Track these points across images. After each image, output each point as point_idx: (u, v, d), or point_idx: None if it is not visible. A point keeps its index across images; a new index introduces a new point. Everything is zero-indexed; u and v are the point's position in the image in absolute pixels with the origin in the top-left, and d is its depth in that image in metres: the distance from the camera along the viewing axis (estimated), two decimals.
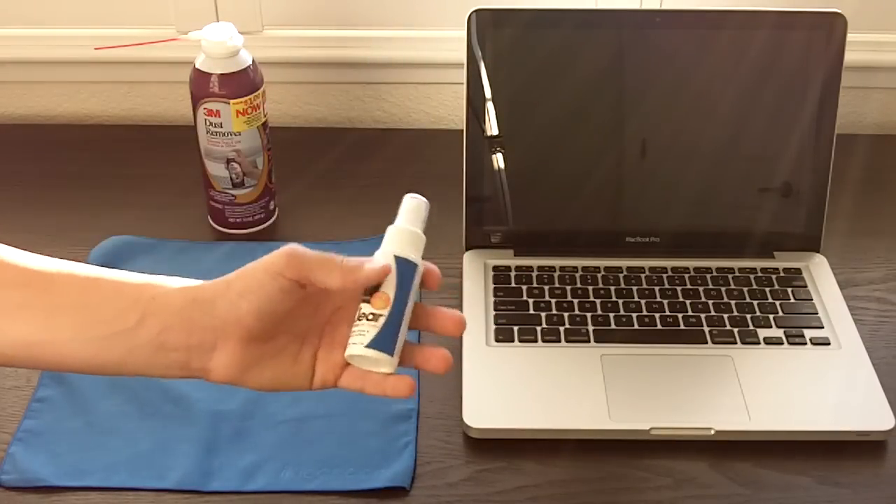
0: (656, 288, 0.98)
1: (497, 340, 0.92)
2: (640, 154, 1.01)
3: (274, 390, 0.69)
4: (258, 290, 0.64)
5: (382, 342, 0.65)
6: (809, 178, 1.01)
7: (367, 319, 0.65)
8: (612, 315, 0.95)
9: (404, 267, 0.66)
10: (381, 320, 0.65)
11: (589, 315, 0.95)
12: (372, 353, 0.65)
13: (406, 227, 0.67)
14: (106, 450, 0.83)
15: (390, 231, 0.68)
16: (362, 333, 0.65)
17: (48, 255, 0.68)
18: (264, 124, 1.04)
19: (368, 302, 0.66)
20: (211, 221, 1.08)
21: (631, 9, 1.17)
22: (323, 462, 0.83)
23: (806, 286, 0.99)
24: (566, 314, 0.95)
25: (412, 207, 0.68)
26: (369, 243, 1.02)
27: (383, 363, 0.66)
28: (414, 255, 0.67)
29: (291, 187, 1.12)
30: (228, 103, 1.00)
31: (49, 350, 0.66)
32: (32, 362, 0.68)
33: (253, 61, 1.02)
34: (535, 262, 1.00)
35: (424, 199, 0.69)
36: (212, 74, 1.00)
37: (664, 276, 0.99)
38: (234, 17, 1.14)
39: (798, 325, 0.94)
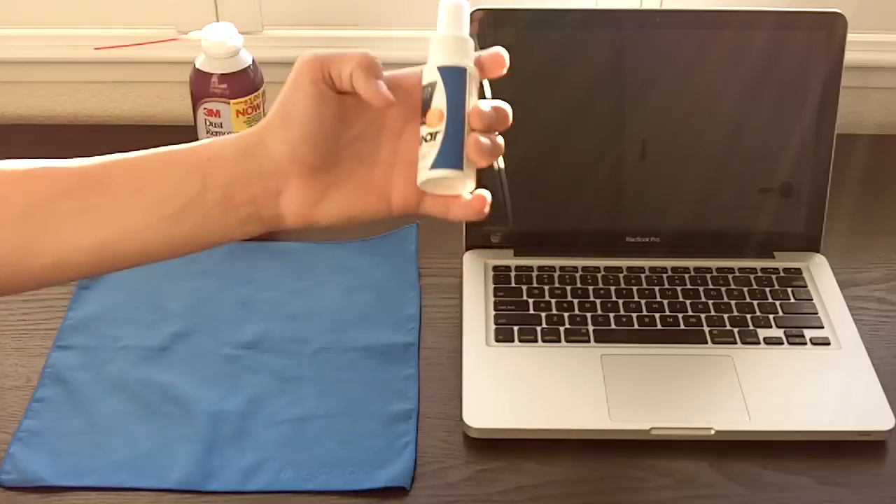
0: (656, 288, 0.98)
1: (497, 340, 0.92)
2: (640, 154, 1.01)
3: (350, 222, 0.66)
4: (298, 112, 0.63)
5: (446, 158, 0.61)
6: (809, 178, 1.01)
7: (427, 141, 0.62)
8: (612, 315, 0.95)
9: (450, 75, 0.63)
10: (440, 137, 0.62)
11: (589, 315, 0.95)
12: (438, 172, 0.61)
13: (446, 34, 0.64)
14: (106, 450, 0.83)
15: (431, 42, 0.64)
16: (425, 157, 0.62)
17: None
18: None
19: (424, 122, 0.62)
20: None
21: (631, 9, 1.17)
22: (323, 462, 0.83)
23: (806, 286, 0.99)
24: (566, 314, 0.95)
25: (450, 10, 0.65)
26: (370, 244, 1.03)
27: (455, 179, 0.62)
28: (459, 59, 0.63)
29: None
30: (228, 103, 1.00)
31: (123, 245, 0.65)
32: (110, 264, 0.67)
33: (253, 61, 1.02)
34: (535, 262, 1.00)
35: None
36: (212, 74, 1.00)
37: (664, 276, 0.99)
38: (234, 17, 1.14)
39: (798, 325, 0.94)
